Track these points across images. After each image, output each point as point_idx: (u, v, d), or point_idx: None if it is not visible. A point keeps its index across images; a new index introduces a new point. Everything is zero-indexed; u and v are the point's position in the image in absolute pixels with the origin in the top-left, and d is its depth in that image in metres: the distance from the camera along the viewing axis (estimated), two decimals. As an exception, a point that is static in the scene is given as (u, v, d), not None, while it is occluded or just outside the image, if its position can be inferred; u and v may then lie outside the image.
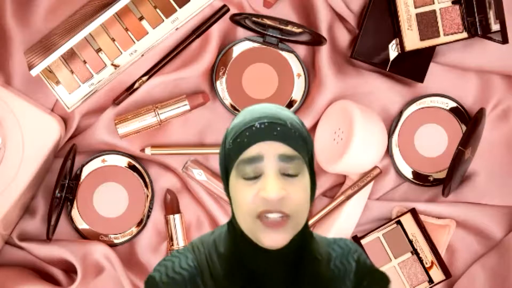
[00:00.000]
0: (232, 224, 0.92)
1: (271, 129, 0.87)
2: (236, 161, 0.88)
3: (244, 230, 0.89)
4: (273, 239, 0.86)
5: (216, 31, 1.36)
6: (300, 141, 0.89)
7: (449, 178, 1.30)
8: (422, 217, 1.37)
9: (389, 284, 0.96)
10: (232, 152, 0.89)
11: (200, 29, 1.36)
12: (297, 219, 0.87)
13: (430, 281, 1.36)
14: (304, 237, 0.92)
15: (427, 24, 1.34)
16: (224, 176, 0.91)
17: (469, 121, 1.39)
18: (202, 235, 0.96)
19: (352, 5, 1.38)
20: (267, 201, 0.86)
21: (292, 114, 0.92)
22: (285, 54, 1.39)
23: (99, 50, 1.37)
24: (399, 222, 1.37)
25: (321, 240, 0.96)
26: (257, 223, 0.87)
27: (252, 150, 0.87)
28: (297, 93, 1.39)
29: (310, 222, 1.36)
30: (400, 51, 1.36)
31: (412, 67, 1.37)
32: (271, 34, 1.37)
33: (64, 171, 1.28)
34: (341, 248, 0.96)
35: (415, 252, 1.37)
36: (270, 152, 0.87)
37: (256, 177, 0.87)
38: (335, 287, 0.93)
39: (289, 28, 1.32)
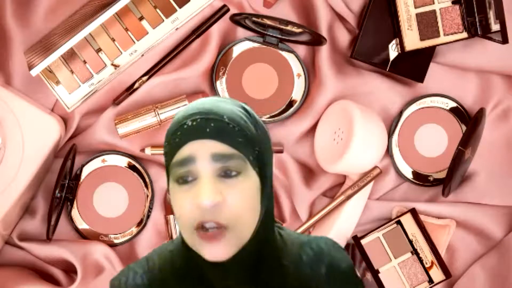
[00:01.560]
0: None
1: (204, 126, 0.78)
2: (170, 164, 0.80)
3: (187, 242, 0.80)
4: (213, 253, 0.77)
5: (216, 31, 1.36)
6: (241, 137, 0.79)
7: (449, 178, 1.30)
8: (422, 217, 1.37)
9: (355, 279, 0.89)
10: (167, 155, 0.81)
11: (200, 29, 1.36)
12: (238, 229, 0.78)
13: (430, 281, 1.36)
14: (263, 243, 0.83)
15: (427, 24, 1.34)
16: (167, 180, 0.83)
17: (469, 121, 1.39)
18: (161, 245, 0.89)
19: (352, 5, 1.38)
20: (202, 209, 0.77)
21: (236, 105, 0.82)
22: (285, 54, 1.39)
23: (99, 50, 1.37)
24: (399, 222, 1.37)
25: (293, 241, 0.87)
26: (194, 235, 0.78)
27: (184, 151, 0.79)
28: (297, 93, 1.39)
29: (310, 222, 1.36)
30: (400, 51, 1.36)
31: (412, 67, 1.37)
32: (271, 34, 1.37)
33: (64, 171, 1.28)
34: (313, 251, 0.87)
35: (415, 252, 1.37)
36: (202, 151, 0.78)
37: (190, 181, 0.79)
38: None
39: (289, 28, 1.32)
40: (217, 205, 0.77)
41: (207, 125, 0.78)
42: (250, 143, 0.80)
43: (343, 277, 0.87)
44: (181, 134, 0.79)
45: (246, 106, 0.84)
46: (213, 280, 0.83)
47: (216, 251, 0.77)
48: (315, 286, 0.85)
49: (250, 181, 0.79)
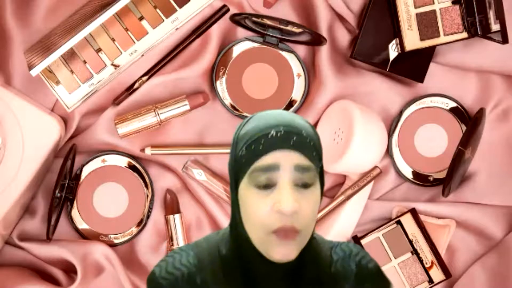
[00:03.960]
0: (234, 227, 0.91)
1: (288, 138, 0.85)
2: (249, 169, 0.86)
3: (254, 241, 0.87)
4: (283, 253, 0.85)
5: (216, 31, 1.36)
6: (314, 151, 0.86)
7: (449, 178, 1.30)
8: (422, 217, 1.37)
9: (383, 278, 0.94)
10: (245, 159, 0.86)
11: (200, 29, 1.36)
12: (306, 233, 0.86)
13: (430, 281, 1.36)
14: (308, 245, 0.90)
15: (427, 24, 1.34)
16: (233, 181, 0.89)
17: (469, 121, 1.39)
18: (208, 234, 0.96)
19: (352, 5, 1.38)
20: (281, 215, 0.84)
21: (306, 122, 0.89)
22: (285, 54, 1.39)
23: (99, 50, 1.37)
24: (399, 222, 1.37)
25: (324, 243, 0.95)
26: (270, 237, 0.85)
27: (268, 159, 0.85)
28: (297, 93, 1.39)
29: (310, 222, 1.36)
30: (400, 51, 1.36)
31: (412, 67, 1.37)
32: (271, 34, 1.37)
33: (64, 171, 1.28)
34: (343, 252, 0.94)
35: (415, 252, 1.37)
36: (286, 161, 0.85)
37: (270, 186, 0.85)
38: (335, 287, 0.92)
39: (289, 28, 1.32)
40: (295, 213, 0.84)
41: (291, 138, 0.85)
42: (319, 157, 0.88)
43: (372, 275, 0.93)
44: (265, 142, 0.85)
45: (310, 123, 0.91)
46: (258, 277, 0.90)
47: (286, 251, 0.85)
48: (347, 284, 0.92)
49: (317, 192, 0.87)
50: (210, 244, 0.93)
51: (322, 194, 0.90)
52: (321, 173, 0.89)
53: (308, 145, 0.86)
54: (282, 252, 0.85)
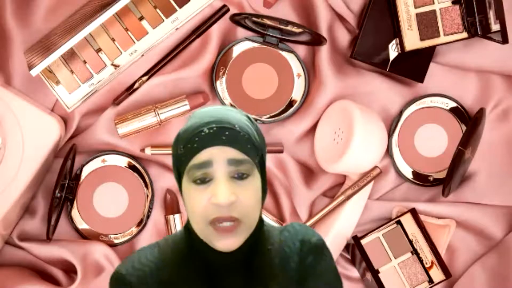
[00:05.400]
0: (187, 223, 0.95)
1: (220, 134, 0.89)
2: (187, 166, 0.90)
3: (198, 234, 0.91)
4: (226, 243, 0.89)
5: (216, 31, 1.36)
6: (249, 144, 0.90)
7: (449, 178, 1.30)
8: (422, 217, 1.37)
9: (325, 250, 0.98)
10: (183, 157, 0.90)
11: (200, 29, 1.36)
12: (248, 222, 0.90)
13: (430, 281, 1.36)
14: (258, 234, 0.95)
15: (427, 24, 1.34)
16: (177, 179, 0.94)
17: (469, 121, 1.39)
18: (165, 237, 0.99)
19: (352, 5, 1.38)
20: (218, 207, 0.88)
21: (242, 114, 0.93)
22: (285, 54, 1.39)
23: (99, 50, 1.37)
24: (399, 222, 1.37)
25: (273, 229, 0.98)
26: (209, 228, 0.89)
27: (202, 156, 0.89)
28: (297, 93, 1.39)
29: (310, 222, 1.36)
30: (400, 51, 1.36)
31: (412, 67, 1.37)
32: (271, 34, 1.37)
33: (64, 171, 1.28)
34: (289, 232, 0.98)
35: (415, 252, 1.37)
36: (219, 156, 0.89)
37: (206, 181, 0.89)
38: (284, 270, 0.95)
39: (289, 28, 1.32)
40: (232, 203, 0.88)
41: (222, 133, 0.89)
42: (255, 149, 0.91)
43: (314, 249, 0.96)
44: (199, 140, 0.89)
45: (249, 115, 0.95)
46: (216, 268, 0.94)
47: (228, 242, 0.89)
48: (293, 262, 0.96)
49: (256, 181, 0.91)
50: (170, 241, 0.97)
51: (265, 182, 0.94)
52: (261, 162, 0.93)
53: (241, 138, 0.90)
54: (224, 242, 0.89)
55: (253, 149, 0.91)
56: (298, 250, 0.96)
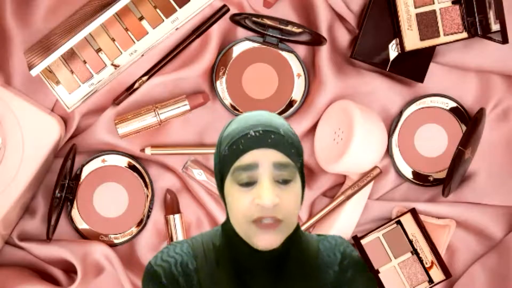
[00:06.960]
0: (226, 222, 0.97)
1: (266, 137, 0.91)
2: (231, 168, 0.92)
3: (239, 232, 0.93)
4: (266, 240, 0.91)
5: (216, 31, 1.36)
6: (293, 149, 0.92)
7: (449, 178, 1.30)
8: (422, 217, 1.37)
9: (367, 268, 1.00)
10: (228, 158, 0.92)
11: (200, 29, 1.36)
12: (288, 223, 0.92)
13: (430, 281, 1.36)
14: (294, 237, 0.96)
15: (427, 24, 1.34)
16: (219, 180, 0.95)
17: (469, 121, 1.39)
18: (205, 231, 1.02)
19: (352, 5, 1.38)
20: (262, 208, 0.90)
21: (284, 121, 0.95)
22: (285, 54, 1.39)
23: (99, 50, 1.37)
24: (399, 222, 1.37)
25: (312, 238, 1.00)
26: (251, 227, 0.91)
27: (247, 158, 0.91)
28: (297, 93, 1.39)
29: (310, 222, 1.36)
30: (400, 51, 1.36)
31: (412, 67, 1.37)
32: (271, 34, 1.37)
33: (64, 171, 1.28)
34: (329, 243, 1.00)
35: (415, 252, 1.37)
36: (264, 159, 0.90)
37: (251, 183, 0.91)
38: (318, 277, 0.97)
39: (289, 28, 1.32)
40: (275, 205, 0.90)
41: (268, 136, 0.91)
42: (298, 154, 0.93)
43: (355, 264, 0.99)
44: (245, 142, 0.91)
45: (288, 123, 0.97)
46: (248, 267, 0.96)
47: (269, 238, 0.90)
48: (332, 271, 0.98)
49: (297, 186, 0.93)
50: (205, 237, 0.99)
51: (304, 188, 0.95)
52: (301, 169, 0.94)
53: (285, 143, 0.91)
54: (265, 239, 0.90)
55: (296, 154, 0.93)
56: (339, 261, 0.98)
